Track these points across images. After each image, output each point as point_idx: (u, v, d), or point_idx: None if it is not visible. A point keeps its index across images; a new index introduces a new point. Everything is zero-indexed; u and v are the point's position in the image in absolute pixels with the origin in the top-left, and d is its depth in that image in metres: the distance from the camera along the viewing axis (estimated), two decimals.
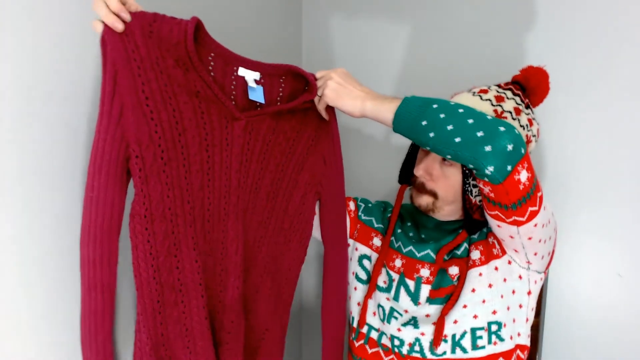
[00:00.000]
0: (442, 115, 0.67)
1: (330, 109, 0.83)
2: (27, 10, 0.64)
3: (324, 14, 1.36)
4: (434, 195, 0.84)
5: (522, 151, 0.65)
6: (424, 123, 0.67)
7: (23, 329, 0.67)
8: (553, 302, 1.13)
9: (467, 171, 0.79)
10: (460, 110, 0.67)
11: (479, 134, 0.64)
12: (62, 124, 0.71)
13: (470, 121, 0.66)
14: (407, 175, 0.93)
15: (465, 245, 0.85)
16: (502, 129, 0.64)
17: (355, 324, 0.92)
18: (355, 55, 1.33)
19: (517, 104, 0.81)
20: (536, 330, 1.09)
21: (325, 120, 0.84)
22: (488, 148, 0.63)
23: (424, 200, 0.86)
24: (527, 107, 0.83)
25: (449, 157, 0.67)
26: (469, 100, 0.82)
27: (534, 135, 0.84)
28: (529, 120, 0.82)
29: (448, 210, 0.86)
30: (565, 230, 1.10)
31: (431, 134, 0.67)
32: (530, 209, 0.68)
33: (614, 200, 1.05)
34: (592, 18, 1.03)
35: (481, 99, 0.81)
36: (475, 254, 0.83)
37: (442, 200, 0.84)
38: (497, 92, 0.82)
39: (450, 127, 0.66)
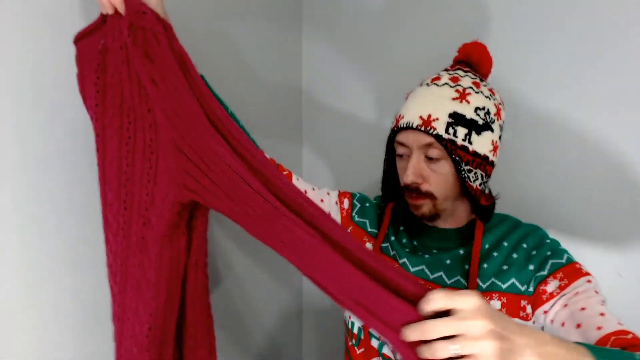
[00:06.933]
0: None
1: None
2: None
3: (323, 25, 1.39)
4: (431, 197, 0.78)
5: None
6: None
7: (24, 329, 0.68)
8: None
9: (457, 158, 0.74)
10: None
11: None
12: (64, 124, 0.71)
13: None
14: (390, 192, 0.89)
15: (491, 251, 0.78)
16: None
17: (355, 331, 0.87)
18: (354, 58, 1.35)
19: (472, 78, 0.79)
20: None
21: None
22: None
23: (425, 208, 0.79)
24: (481, 79, 0.81)
25: None
26: (426, 92, 0.78)
27: (500, 103, 0.80)
28: (490, 90, 0.79)
29: (451, 210, 0.82)
30: (565, 230, 1.09)
31: None
32: None
33: (614, 200, 1.04)
34: (582, 17, 1.03)
35: (437, 86, 0.78)
36: (496, 304, 0.74)
37: (441, 199, 0.78)
38: (449, 74, 0.80)
39: None
